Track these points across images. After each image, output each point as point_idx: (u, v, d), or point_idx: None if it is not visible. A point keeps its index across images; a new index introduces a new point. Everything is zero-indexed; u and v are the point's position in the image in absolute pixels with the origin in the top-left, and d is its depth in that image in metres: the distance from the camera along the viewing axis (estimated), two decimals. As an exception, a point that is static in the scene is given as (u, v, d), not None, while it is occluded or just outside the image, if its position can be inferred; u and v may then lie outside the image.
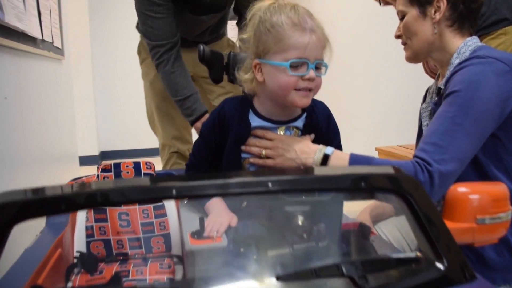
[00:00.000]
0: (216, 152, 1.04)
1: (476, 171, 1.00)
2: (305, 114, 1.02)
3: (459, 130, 0.92)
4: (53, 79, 2.41)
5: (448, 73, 1.05)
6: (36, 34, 1.86)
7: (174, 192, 0.53)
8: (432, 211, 0.65)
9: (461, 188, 0.73)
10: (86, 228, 1.14)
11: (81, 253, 1.10)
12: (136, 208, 1.18)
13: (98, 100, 4.53)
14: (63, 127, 2.67)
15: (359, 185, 0.61)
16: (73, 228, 1.15)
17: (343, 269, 0.55)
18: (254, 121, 1.00)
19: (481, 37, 1.47)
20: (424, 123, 1.15)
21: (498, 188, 0.74)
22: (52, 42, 2.22)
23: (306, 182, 0.59)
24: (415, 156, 0.95)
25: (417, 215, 0.64)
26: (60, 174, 2.56)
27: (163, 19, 1.41)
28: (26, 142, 1.82)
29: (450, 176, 0.92)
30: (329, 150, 0.97)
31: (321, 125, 1.03)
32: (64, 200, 0.52)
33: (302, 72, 0.90)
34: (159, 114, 1.75)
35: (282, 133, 1.01)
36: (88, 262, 1.06)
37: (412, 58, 1.14)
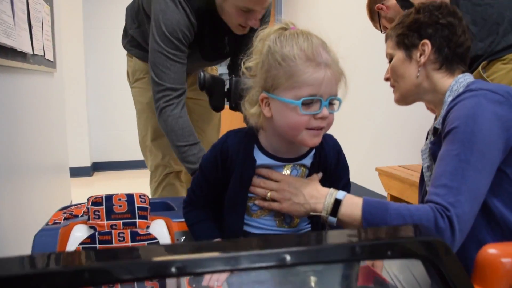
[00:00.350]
0: (217, 188, 0.96)
1: (483, 212, 0.93)
2: (313, 151, 0.94)
3: (468, 167, 0.88)
4: (44, 92, 2.32)
5: (443, 112, 1.02)
6: (26, 49, 1.78)
7: (173, 270, 0.45)
8: (463, 279, 0.58)
9: (492, 250, 0.65)
10: None
11: None
12: (129, 245, 1.10)
13: (91, 111, 4.44)
14: (54, 138, 2.59)
15: (385, 254, 0.54)
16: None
17: None
18: (259, 158, 0.92)
19: (492, 62, 1.43)
20: (424, 165, 1.10)
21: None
22: (44, 55, 2.13)
23: (325, 253, 0.51)
24: (429, 201, 0.89)
25: (446, 283, 0.57)
26: (51, 185, 2.48)
27: (182, 64, 1.38)
28: (16, 154, 1.74)
29: (468, 218, 0.86)
30: (340, 194, 0.90)
31: (330, 162, 0.96)
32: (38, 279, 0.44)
33: (315, 111, 0.82)
34: (156, 133, 1.67)
35: (288, 172, 0.94)
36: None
37: (401, 100, 1.13)
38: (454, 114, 0.95)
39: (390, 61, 1.13)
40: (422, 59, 1.07)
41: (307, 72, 0.81)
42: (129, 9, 1.74)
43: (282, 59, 0.82)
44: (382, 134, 3.16)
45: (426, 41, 1.07)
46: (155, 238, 1.10)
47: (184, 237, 1.10)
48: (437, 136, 1.04)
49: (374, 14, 1.97)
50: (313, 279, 0.65)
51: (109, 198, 1.11)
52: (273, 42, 0.84)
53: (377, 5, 1.90)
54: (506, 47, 1.41)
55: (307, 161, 0.94)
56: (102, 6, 4.39)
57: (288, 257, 0.49)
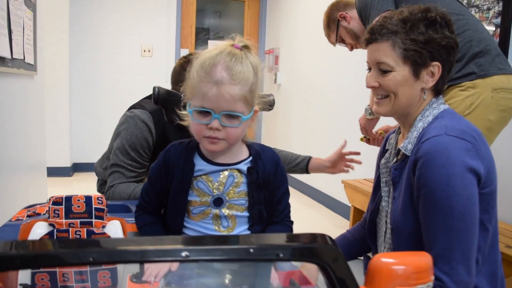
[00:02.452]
0: (162, 195, 1.06)
1: None
2: (250, 158, 1.03)
3: (452, 233, 0.92)
4: (24, 94, 2.40)
5: (410, 137, 1.04)
6: (5, 53, 1.86)
7: (91, 259, 0.56)
8: (350, 281, 0.68)
9: (384, 259, 0.76)
10: None
11: (25, 285, 1.10)
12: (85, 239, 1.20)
13: (74, 113, 4.50)
14: (32, 138, 2.66)
15: (278, 256, 0.64)
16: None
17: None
18: (198, 163, 1.01)
19: (451, 87, 1.51)
20: (383, 180, 1.14)
21: (422, 259, 0.78)
22: (24, 59, 2.22)
23: (221, 252, 0.62)
24: (436, 279, 0.93)
25: (334, 284, 0.67)
26: (26, 184, 2.55)
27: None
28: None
29: (466, 278, 0.93)
30: None
31: (268, 171, 1.04)
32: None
33: (207, 121, 0.93)
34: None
35: (225, 177, 1.01)
36: (29, 296, 1.06)
37: (389, 114, 1.09)
38: (426, 168, 0.95)
39: (383, 71, 1.04)
40: (431, 82, 1.03)
41: (200, 87, 0.92)
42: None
43: (192, 73, 0.95)
44: (350, 147, 3.28)
45: (438, 64, 1.02)
46: (109, 237, 1.20)
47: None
48: (401, 162, 1.05)
49: (333, 23, 1.87)
50: (228, 277, 0.76)
51: (68, 198, 1.20)
52: (196, 57, 0.96)
53: (341, 13, 1.83)
54: (466, 75, 1.49)
55: (243, 166, 1.02)
56: (88, 11, 4.48)
57: (186, 253, 0.59)
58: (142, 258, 0.60)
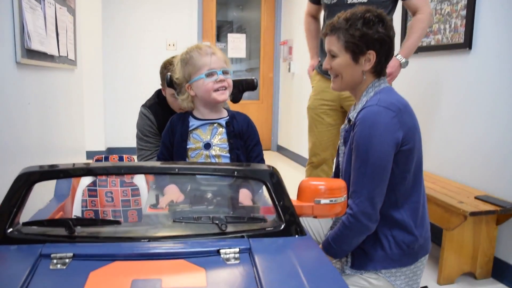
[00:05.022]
0: (172, 149, 1.48)
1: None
2: (227, 118, 1.45)
3: (365, 177, 1.24)
4: (67, 85, 2.88)
5: (357, 108, 1.32)
6: (54, 52, 2.33)
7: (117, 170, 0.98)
8: (282, 193, 1.06)
9: (311, 181, 1.15)
10: (82, 201, 1.57)
11: (78, 217, 1.53)
12: (118, 189, 1.62)
13: (107, 102, 4.98)
14: (74, 125, 3.13)
15: (233, 173, 1.05)
16: (72, 201, 1.59)
17: (213, 218, 0.99)
18: (192, 121, 1.44)
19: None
20: (341, 141, 1.44)
21: (336, 182, 1.16)
22: (67, 56, 2.69)
23: (199, 170, 1.03)
24: (349, 207, 1.27)
25: (272, 196, 1.05)
26: (69, 166, 3.02)
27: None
28: (43, 138, 2.28)
29: (369, 209, 1.25)
30: None
31: (241, 126, 1.45)
32: (62, 172, 0.97)
33: (215, 78, 1.38)
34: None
35: (211, 130, 1.42)
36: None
37: (339, 90, 1.41)
38: (358, 129, 1.24)
39: (331, 54, 1.34)
40: (367, 66, 1.30)
41: (201, 60, 1.39)
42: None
43: (188, 60, 1.40)
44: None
45: (373, 52, 1.28)
46: (136, 185, 1.62)
47: (154, 186, 1.62)
48: (349, 126, 1.35)
49: None
50: (209, 195, 1.17)
51: (106, 157, 1.63)
52: (180, 56, 1.44)
53: None
54: None
55: (222, 121, 1.44)
56: (118, 12, 4.94)
57: (176, 169, 1.00)
58: (151, 171, 1.02)
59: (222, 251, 0.91)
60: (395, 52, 2.11)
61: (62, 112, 2.77)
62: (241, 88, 1.73)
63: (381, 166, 1.24)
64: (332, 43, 1.33)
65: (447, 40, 2.44)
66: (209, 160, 1.44)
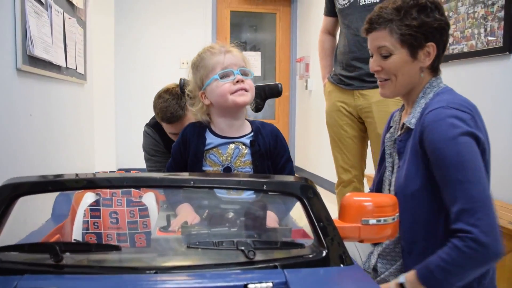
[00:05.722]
0: (183, 166, 1.27)
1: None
2: (252, 133, 1.22)
3: (470, 186, 0.99)
4: (75, 100, 2.74)
5: (414, 112, 1.13)
6: (61, 62, 2.19)
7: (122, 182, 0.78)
8: (322, 212, 0.86)
9: (354, 197, 0.94)
10: (83, 222, 1.39)
11: (77, 241, 1.34)
12: (124, 209, 1.43)
13: (119, 121, 4.87)
14: (82, 143, 2.99)
15: (262, 187, 0.84)
16: (72, 222, 1.41)
17: (237, 244, 0.77)
18: (210, 138, 1.22)
19: None
20: (387, 152, 1.26)
21: (387, 198, 0.95)
22: (76, 69, 2.55)
23: (219, 182, 0.83)
24: (454, 230, 1.00)
25: (310, 215, 0.85)
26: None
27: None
28: (46, 154, 2.12)
29: (493, 226, 0.98)
30: (401, 278, 1.03)
31: (268, 143, 1.22)
32: (53, 184, 0.78)
33: (231, 78, 1.16)
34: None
35: (232, 150, 1.20)
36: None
37: (393, 95, 1.19)
38: (434, 133, 1.04)
39: (384, 56, 1.14)
40: (427, 62, 1.12)
41: (213, 58, 1.18)
42: None
43: (199, 63, 1.20)
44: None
45: (432, 44, 1.11)
46: (144, 205, 1.43)
47: (165, 205, 1.42)
48: (405, 134, 1.15)
49: None
50: (231, 214, 0.96)
51: (112, 173, 1.45)
52: (192, 62, 1.24)
53: None
54: None
55: (246, 140, 1.21)
56: (131, 28, 4.89)
57: (192, 182, 0.80)
58: (161, 184, 0.82)
59: (251, 286, 0.70)
60: None
61: (70, 128, 2.62)
62: (263, 94, 1.54)
63: (480, 167, 1.01)
64: (383, 39, 1.14)
65: (482, 45, 2.25)
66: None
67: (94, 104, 3.45)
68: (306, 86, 4.92)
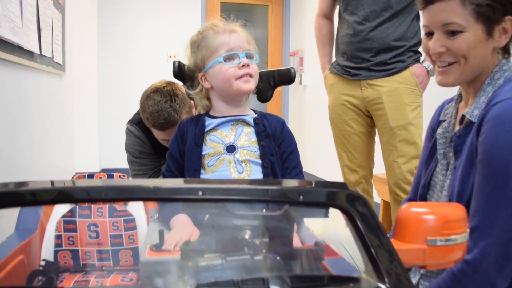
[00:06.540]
0: (181, 164, 1.10)
1: None
2: (256, 115, 1.13)
3: (500, 208, 0.83)
4: (52, 93, 2.46)
5: (477, 102, 0.93)
6: (33, 48, 1.91)
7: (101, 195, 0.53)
8: (377, 229, 0.63)
9: (414, 208, 0.71)
10: (55, 237, 1.15)
11: (47, 262, 1.10)
12: (106, 220, 1.18)
13: (103, 117, 4.58)
14: (60, 140, 2.71)
15: (298, 198, 0.60)
16: (41, 236, 1.15)
17: (269, 283, 0.53)
18: (209, 120, 1.11)
19: None
20: (440, 151, 1.03)
21: (454, 209, 0.72)
22: (52, 58, 2.27)
23: (241, 192, 0.58)
24: (471, 237, 0.84)
25: (360, 232, 0.62)
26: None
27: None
28: (16, 154, 1.85)
29: (500, 262, 0.84)
30: None
31: (274, 126, 1.12)
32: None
33: (236, 62, 1.06)
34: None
35: (234, 131, 1.09)
36: (50, 271, 1.06)
37: (457, 83, 0.96)
38: (491, 132, 0.86)
39: (451, 32, 0.91)
40: (503, 40, 0.91)
41: (216, 38, 1.07)
42: None
43: (200, 41, 1.09)
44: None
45: (510, 18, 0.89)
46: (131, 215, 1.18)
47: (157, 215, 1.18)
48: (465, 129, 0.95)
49: None
50: (248, 233, 0.72)
51: (91, 176, 1.20)
52: (191, 39, 1.13)
53: None
54: None
55: (249, 118, 1.11)
56: (115, 18, 4.59)
57: (200, 192, 0.56)
58: (155, 196, 0.57)
59: None
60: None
61: (45, 124, 2.33)
62: (273, 82, 1.30)
63: None
64: (452, 12, 0.90)
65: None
66: (233, 168, 1.06)
67: (74, 98, 3.16)
68: (301, 81, 4.71)
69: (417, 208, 0.71)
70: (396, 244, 0.66)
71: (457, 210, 0.72)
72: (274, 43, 5.22)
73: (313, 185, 0.65)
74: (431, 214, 0.69)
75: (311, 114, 4.44)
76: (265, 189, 0.60)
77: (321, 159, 4.05)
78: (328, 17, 1.98)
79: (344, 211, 0.62)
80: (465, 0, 0.88)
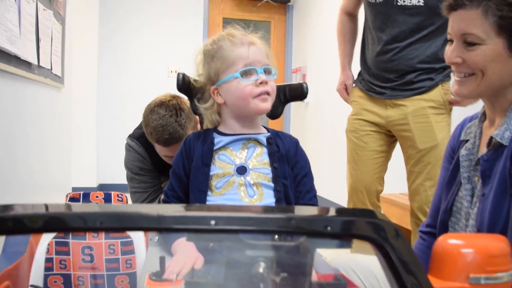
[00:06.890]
0: (187, 182, 1.02)
1: None
2: (268, 134, 1.05)
3: None
4: (50, 105, 2.38)
5: (508, 123, 0.87)
6: (31, 59, 1.85)
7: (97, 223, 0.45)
8: (414, 265, 0.55)
9: (452, 240, 0.62)
10: (46, 260, 1.06)
11: (36, 287, 1.01)
12: (102, 242, 1.10)
13: (101, 132, 4.51)
14: (57, 155, 2.62)
15: (325, 229, 0.52)
16: (31, 259, 1.06)
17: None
18: (218, 137, 1.03)
19: None
20: (464, 175, 0.96)
21: (498, 241, 0.64)
22: (51, 69, 2.21)
23: (261, 222, 0.50)
24: None
25: (395, 268, 0.54)
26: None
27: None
28: (11, 167, 1.76)
29: None
30: None
31: (288, 147, 1.05)
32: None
33: (254, 78, 0.98)
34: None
35: (245, 151, 1.01)
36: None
37: (472, 96, 0.93)
38: None
39: (467, 41, 0.88)
40: None
41: (234, 50, 0.99)
42: None
43: (215, 52, 1.01)
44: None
45: None
46: (128, 236, 1.10)
47: (157, 237, 1.09)
48: (494, 152, 0.89)
49: None
50: (262, 265, 0.63)
51: (86, 195, 1.12)
52: (205, 48, 1.04)
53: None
54: None
55: (262, 137, 1.03)
56: (117, 31, 4.56)
57: (212, 222, 0.47)
58: (159, 225, 0.48)
59: None
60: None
61: (42, 137, 2.25)
62: (283, 97, 1.23)
63: None
64: (472, 22, 0.85)
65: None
66: (244, 191, 0.98)
67: (73, 112, 3.09)
68: (303, 98, 4.66)
69: (455, 240, 0.63)
70: (434, 282, 0.58)
71: (501, 243, 0.63)
72: (276, 59, 5.18)
73: (339, 214, 0.56)
74: (470, 246, 0.61)
75: (314, 131, 4.37)
76: (288, 218, 0.51)
77: (323, 178, 3.96)
78: (352, 13, 1.86)
79: (376, 243, 0.55)
80: (489, 10, 0.83)
